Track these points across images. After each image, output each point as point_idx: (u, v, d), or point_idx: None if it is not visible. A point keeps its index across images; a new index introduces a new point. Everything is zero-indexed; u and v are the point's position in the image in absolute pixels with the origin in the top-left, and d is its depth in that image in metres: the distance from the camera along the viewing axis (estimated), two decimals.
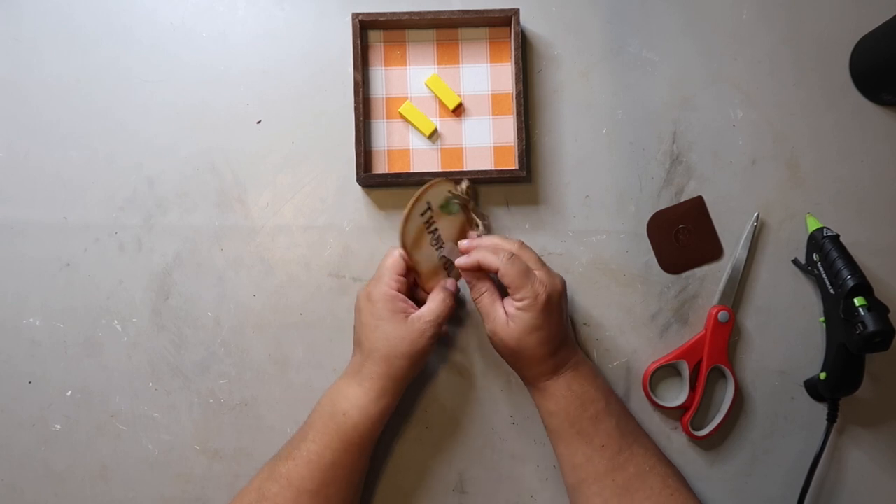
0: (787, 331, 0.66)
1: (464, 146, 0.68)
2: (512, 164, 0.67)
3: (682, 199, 0.67)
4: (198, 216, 0.68)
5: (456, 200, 0.63)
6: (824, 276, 0.63)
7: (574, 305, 0.67)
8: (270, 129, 0.68)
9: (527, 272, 0.58)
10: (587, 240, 0.67)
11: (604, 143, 0.68)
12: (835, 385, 0.62)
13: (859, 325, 0.58)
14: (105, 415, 0.66)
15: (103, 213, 0.68)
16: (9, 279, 0.67)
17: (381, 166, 0.67)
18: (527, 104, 0.67)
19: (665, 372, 0.66)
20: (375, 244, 0.67)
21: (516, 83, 0.66)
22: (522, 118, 0.65)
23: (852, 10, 0.69)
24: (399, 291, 0.60)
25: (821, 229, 0.64)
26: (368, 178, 0.65)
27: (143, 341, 0.67)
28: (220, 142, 0.68)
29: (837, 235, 0.63)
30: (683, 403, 0.65)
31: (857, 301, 0.59)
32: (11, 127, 0.68)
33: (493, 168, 0.67)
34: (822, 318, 0.65)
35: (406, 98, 0.68)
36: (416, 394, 0.66)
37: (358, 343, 0.60)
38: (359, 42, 0.66)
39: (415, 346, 0.58)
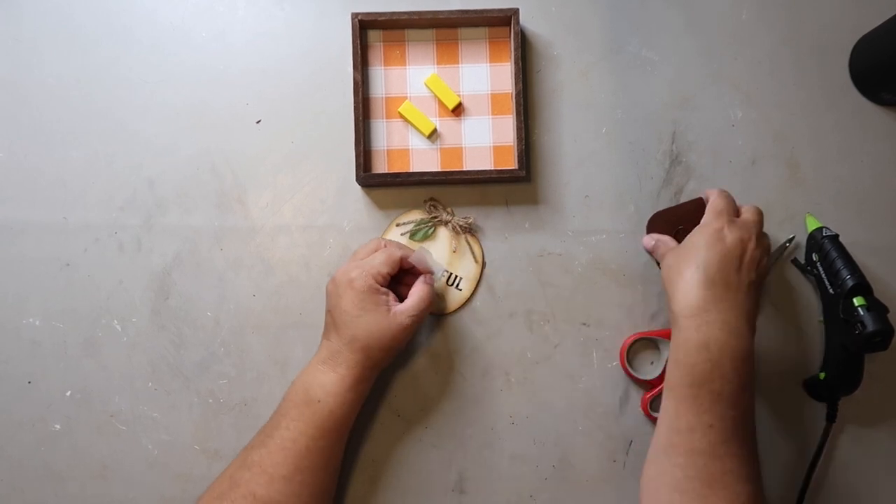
0: (786, 331, 0.66)
1: (463, 146, 0.68)
2: (511, 163, 0.67)
3: (682, 200, 0.67)
4: (197, 216, 0.68)
5: (421, 225, 0.66)
6: (823, 275, 0.63)
7: (574, 305, 0.66)
8: (270, 129, 0.68)
9: (724, 211, 0.59)
10: (587, 240, 0.67)
11: (603, 143, 0.68)
12: (834, 385, 0.62)
13: (859, 324, 0.58)
14: (105, 415, 0.66)
15: (103, 214, 0.68)
16: (9, 279, 0.67)
17: (381, 166, 0.67)
18: (526, 104, 0.67)
19: (646, 345, 0.66)
20: None
21: (516, 83, 0.66)
22: (522, 118, 0.65)
23: (852, 9, 0.69)
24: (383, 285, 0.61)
25: (820, 229, 0.64)
26: (368, 177, 0.65)
27: (143, 341, 0.67)
28: (220, 142, 0.68)
29: (837, 235, 0.63)
30: (653, 380, 0.64)
31: (857, 301, 0.59)
32: (11, 127, 0.68)
33: (492, 168, 0.67)
34: (822, 318, 0.65)
35: (405, 98, 0.68)
36: (416, 394, 0.66)
37: (334, 328, 0.60)
38: (358, 42, 0.66)
39: (395, 340, 0.59)
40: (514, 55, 0.66)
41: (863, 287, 0.60)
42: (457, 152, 0.68)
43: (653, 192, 0.68)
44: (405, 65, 0.68)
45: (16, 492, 0.65)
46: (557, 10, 0.69)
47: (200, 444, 0.66)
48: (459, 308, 0.67)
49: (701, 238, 0.58)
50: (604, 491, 0.65)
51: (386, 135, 0.68)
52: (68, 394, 0.66)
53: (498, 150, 0.67)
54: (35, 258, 0.67)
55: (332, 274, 0.67)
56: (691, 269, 0.56)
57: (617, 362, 0.66)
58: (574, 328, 0.66)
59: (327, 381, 0.59)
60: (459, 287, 0.67)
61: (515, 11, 0.66)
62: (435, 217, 0.67)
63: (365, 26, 0.67)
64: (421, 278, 0.62)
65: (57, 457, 0.66)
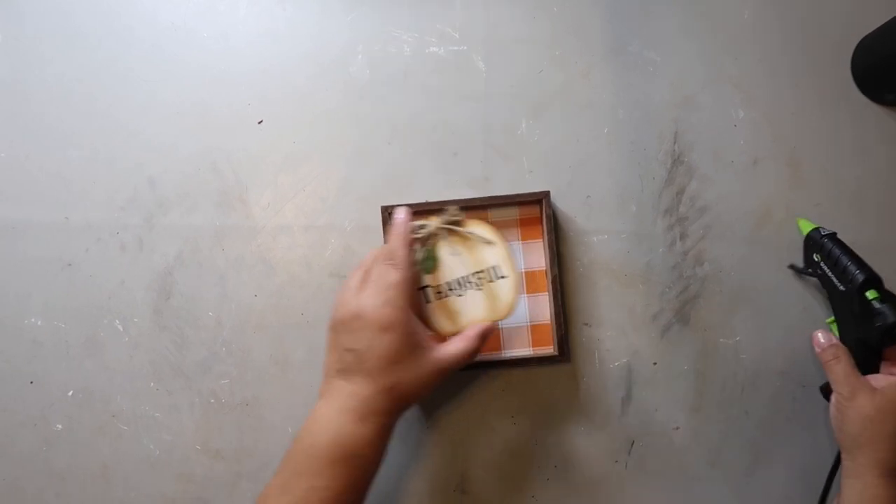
0: (788, 331, 0.66)
1: (500, 326, 0.66)
2: (549, 342, 0.66)
3: (683, 199, 0.67)
4: (199, 216, 0.68)
5: (425, 250, 0.61)
6: (830, 274, 0.62)
7: (575, 305, 0.67)
8: (272, 129, 0.68)
9: None
10: (588, 240, 0.67)
11: (605, 143, 0.68)
12: None
13: (878, 317, 0.58)
14: (106, 415, 0.66)
15: (105, 213, 0.68)
16: (10, 279, 0.67)
17: None
18: (562, 280, 0.66)
19: None
20: (377, 244, 0.67)
21: (551, 267, 0.64)
22: (560, 302, 0.64)
23: (854, 9, 0.69)
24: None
25: (817, 229, 0.64)
26: None
27: (145, 341, 0.67)
28: (222, 141, 0.68)
29: (835, 233, 0.63)
30: None
31: (870, 294, 0.59)
32: (13, 127, 0.68)
33: (530, 349, 0.66)
34: (831, 319, 0.64)
35: None
36: None
37: (362, 373, 0.53)
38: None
39: (430, 387, 0.55)
40: (548, 239, 0.65)
41: (874, 279, 0.59)
42: (493, 333, 0.64)
43: (654, 193, 0.68)
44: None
45: (17, 491, 0.65)
46: (558, 10, 0.69)
47: (202, 444, 0.66)
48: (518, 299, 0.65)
49: None
50: (606, 491, 0.65)
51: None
52: (70, 394, 0.66)
53: (535, 329, 0.66)
54: (37, 258, 0.67)
55: (333, 274, 0.67)
56: None
57: (619, 363, 0.66)
58: (576, 328, 0.66)
59: (366, 434, 0.53)
60: (502, 275, 0.61)
61: (546, 194, 0.65)
62: (427, 248, 0.61)
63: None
64: (476, 327, 0.57)
65: (58, 456, 0.66)
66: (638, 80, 0.69)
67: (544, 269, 0.66)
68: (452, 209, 0.61)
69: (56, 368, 0.66)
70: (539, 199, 0.65)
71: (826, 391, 0.64)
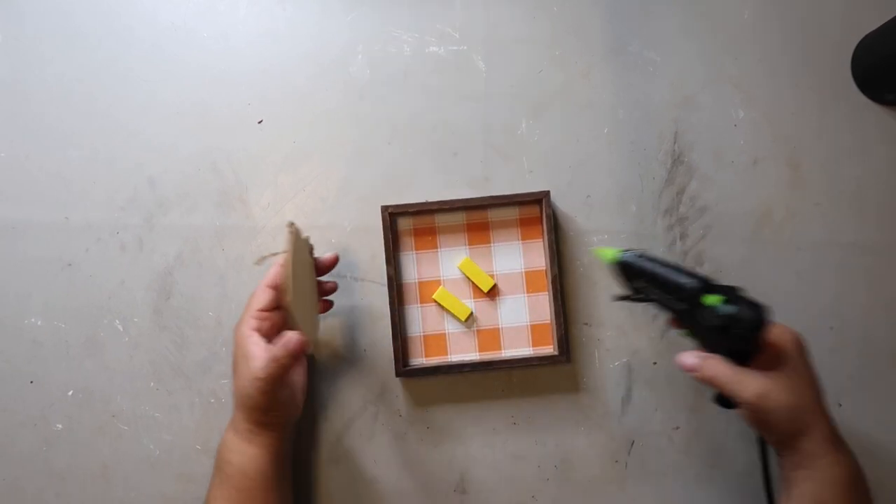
0: None
1: (500, 326, 0.66)
2: (549, 342, 0.66)
3: (683, 199, 0.67)
4: (199, 216, 0.68)
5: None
6: (664, 299, 0.55)
7: (575, 305, 0.67)
8: (272, 129, 0.68)
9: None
10: (588, 239, 0.67)
11: (605, 143, 0.68)
12: None
13: (735, 323, 0.51)
14: (106, 415, 0.66)
15: (105, 213, 0.68)
16: (10, 279, 0.67)
17: (418, 352, 0.66)
18: (562, 280, 0.66)
19: None
20: (377, 245, 0.67)
21: (551, 267, 0.64)
22: (560, 302, 0.64)
23: (854, 9, 0.69)
24: (260, 329, 0.57)
25: (624, 253, 0.56)
26: (407, 371, 0.64)
27: (145, 341, 0.67)
28: (222, 141, 0.68)
29: (644, 251, 0.56)
30: None
31: (710, 300, 0.51)
32: (13, 127, 0.68)
33: (530, 349, 0.66)
34: (685, 332, 0.56)
35: (439, 281, 0.67)
36: (417, 394, 0.66)
37: None
38: (389, 235, 0.65)
39: (255, 401, 0.55)
40: (548, 238, 0.65)
41: (702, 284, 0.52)
42: (493, 333, 0.66)
43: (655, 192, 0.68)
44: (437, 247, 0.67)
45: (17, 491, 0.65)
46: (558, 10, 0.69)
47: (202, 444, 0.66)
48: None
49: (808, 363, 0.53)
50: (606, 492, 0.65)
51: (421, 321, 0.66)
52: (70, 393, 0.66)
53: (536, 329, 0.66)
54: (37, 258, 0.67)
55: (333, 274, 0.67)
56: (816, 396, 0.53)
57: (619, 362, 0.66)
58: (576, 328, 0.66)
59: (229, 439, 0.58)
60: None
61: (546, 194, 0.65)
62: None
63: (395, 216, 0.66)
64: (283, 338, 0.55)
65: (58, 456, 0.66)
66: (638, 80, 0.69)
67: (544, 269, 0.66)
68: (287, 222, 0.58)
69: (56, 368, 0.66)
70: (539, 199, 0.65)
71: (723, 400, 0.57)
